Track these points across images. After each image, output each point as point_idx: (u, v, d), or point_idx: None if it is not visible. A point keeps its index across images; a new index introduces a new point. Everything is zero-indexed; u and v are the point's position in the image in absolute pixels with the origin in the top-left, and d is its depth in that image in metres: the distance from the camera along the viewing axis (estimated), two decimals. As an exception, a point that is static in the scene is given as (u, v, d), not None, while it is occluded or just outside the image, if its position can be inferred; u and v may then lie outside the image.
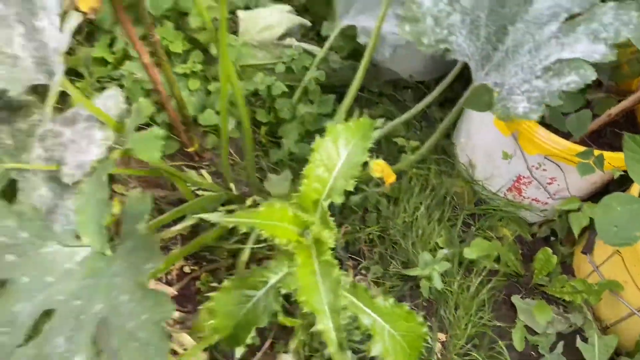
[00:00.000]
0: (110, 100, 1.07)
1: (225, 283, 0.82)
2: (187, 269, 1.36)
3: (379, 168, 1.16)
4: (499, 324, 1.37)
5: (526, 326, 1.36)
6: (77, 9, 0.85)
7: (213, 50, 1.49)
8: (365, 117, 0.86)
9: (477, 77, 1.03)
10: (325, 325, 0.66)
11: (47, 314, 0.80)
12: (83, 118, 1.09)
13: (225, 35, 1.02)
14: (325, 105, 1.50)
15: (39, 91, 1.09)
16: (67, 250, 0.85)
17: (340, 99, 1.50)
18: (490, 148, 1.40)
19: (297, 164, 1.52)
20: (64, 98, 1.11)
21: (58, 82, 0.90)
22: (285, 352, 1.14)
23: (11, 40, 0.96)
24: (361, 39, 1.45)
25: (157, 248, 0.74)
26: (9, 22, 0.95)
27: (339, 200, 0.83)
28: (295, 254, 0.73)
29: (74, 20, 0.85)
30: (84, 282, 0.82)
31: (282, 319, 0.96)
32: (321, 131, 1.50)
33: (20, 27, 0.95)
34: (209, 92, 1.53)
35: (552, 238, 1.52)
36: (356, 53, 1.60)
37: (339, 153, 0.84)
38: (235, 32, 1.57)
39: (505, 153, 1.33)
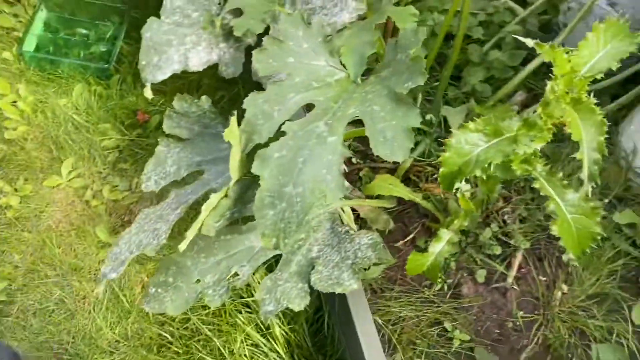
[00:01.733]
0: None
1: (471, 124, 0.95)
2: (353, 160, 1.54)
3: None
4: (622, 293, 1.44)
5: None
6: None
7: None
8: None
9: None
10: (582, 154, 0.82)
11: (309, 107, 1.00)
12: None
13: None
14: (514, 58, 1.63)
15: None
16: (329, 68, 1.05)
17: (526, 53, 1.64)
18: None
19: (471, 104, 1.67)
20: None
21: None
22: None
23: None
24: (569, 5, 1.56)
25: (421, 69, 0.91)
26: None
27: (599, 76, 0.94)
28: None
29: None
30: (340, 94, 1.01)
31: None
32: (506, 79, 1.66)
33: None
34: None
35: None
36: (550, 23, 1.72)
37: (606, 42, 0.95)
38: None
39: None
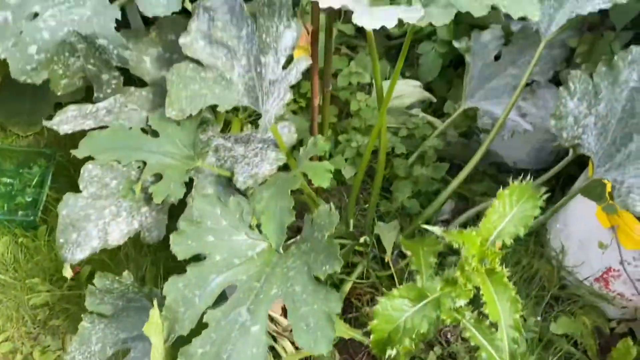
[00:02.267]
0: (285, 129, 1.30)
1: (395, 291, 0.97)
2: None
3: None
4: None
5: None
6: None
7: (353, 107, 1.73)
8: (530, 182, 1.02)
9: (597, 172, 1.20)
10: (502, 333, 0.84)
11: (230, 288, 1.00)
12: (257, 140, 1.32)
13: (386, 105, 1.25)
14: (438, 171, 1.70)
15: (217, 110, 1.33)
16: (250, 241, 1.05)
17: (449, 164, 1.72)
18: (587, 237, 1.54)
19: (402, 217, 1.71)
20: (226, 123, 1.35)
21: (283, 106, 1.11)
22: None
23: (233, 69, 1.22)
24: (482, 121, 1.65)
25: (336, 255, 0.93)
26: (237, 54, 1.21)
27: (508, 241, 0.98)
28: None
29: (304, 64, 1.08)
30: (263, 269, 1.01)
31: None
32: (432, 193, 1.71)
33: (244, 60, 1.21)
34: (337, 142, 1.76)
35: (630, 337, 1.60)
36: (470, 130, 1.81)
37: (512, 206, 0.99)
38: (369, 94, 1.82)
39: (601, 243, 1.47)
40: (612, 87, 1.12)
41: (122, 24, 1.26)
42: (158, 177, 1.23)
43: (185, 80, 1.23)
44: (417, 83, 1.83)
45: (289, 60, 1.12)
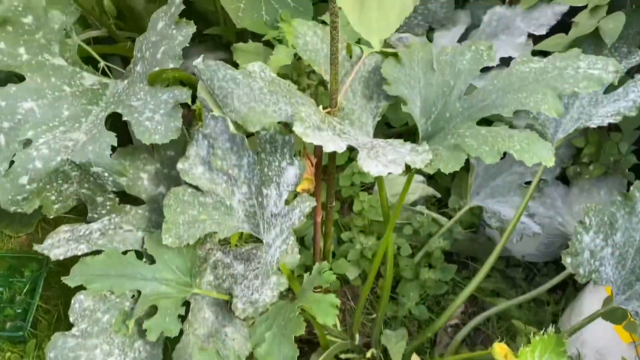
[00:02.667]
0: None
1: None
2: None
3: (503, 352, 1.25)
4: None
5: None
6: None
7: (356, 207, 1.68)
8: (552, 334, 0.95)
9: (616, 300, 1.14)
10: None
11: None
12: (257, 258, 1.26)
13: (393, 222, 1.20)
14: (447, 273, 1.63)
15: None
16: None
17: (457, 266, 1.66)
18: (604, 348, 1.46)
19: (410, 321, 1.63)
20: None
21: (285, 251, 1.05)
22: None
23: (233, 195, 1.18)
24: (491, 222, 1.60)
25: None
26: (238, 182, 1.16)
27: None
28: None
29: (307, 205, 1.03)
30: None
31: None
32: (441, 295, 1.64)
33: (245, 188, 1.16)
34: (340, 240, 1.71)
35: None
36: (473, 225, 1.76)
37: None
38: (370, 191, 1.77)
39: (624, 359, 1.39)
40: (629, 216, 1.08)
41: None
42: (152, 308, 1.17)
43: (183, 205, 1.18)
44: (421, 178, 1.79)
45: (293, 194, 1.07)
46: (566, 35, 1.49)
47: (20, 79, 1.25)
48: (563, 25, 1.64)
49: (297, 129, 0.88)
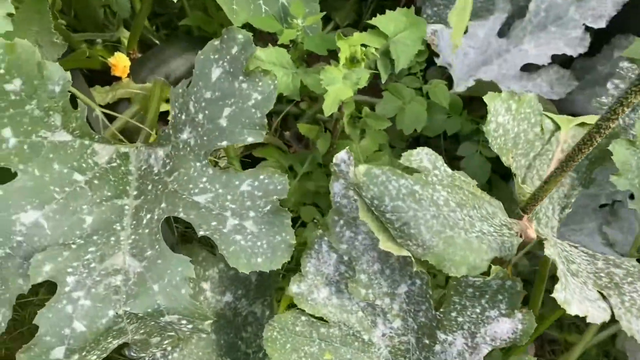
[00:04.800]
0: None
1: None
2: None
3: None
4: None
5: None
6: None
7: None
8: None
9: None
10: None
11: None
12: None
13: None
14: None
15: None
16: None
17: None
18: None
19: None
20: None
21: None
22: None
23: (374, 327, 0.85)
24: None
25: None
26: (388, 315, 0.83)
27: None
28: None
29: None
30: None
31: None
32: None
33: (399, 322, 0.84)
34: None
35: None
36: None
37: None
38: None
39: None
40: None
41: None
42: None
43: (294, 340, 0.84)
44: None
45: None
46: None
47: (10, 176, 0.78)
48: (624, 16, 1.45)
49: (559, 294, 0.59)
